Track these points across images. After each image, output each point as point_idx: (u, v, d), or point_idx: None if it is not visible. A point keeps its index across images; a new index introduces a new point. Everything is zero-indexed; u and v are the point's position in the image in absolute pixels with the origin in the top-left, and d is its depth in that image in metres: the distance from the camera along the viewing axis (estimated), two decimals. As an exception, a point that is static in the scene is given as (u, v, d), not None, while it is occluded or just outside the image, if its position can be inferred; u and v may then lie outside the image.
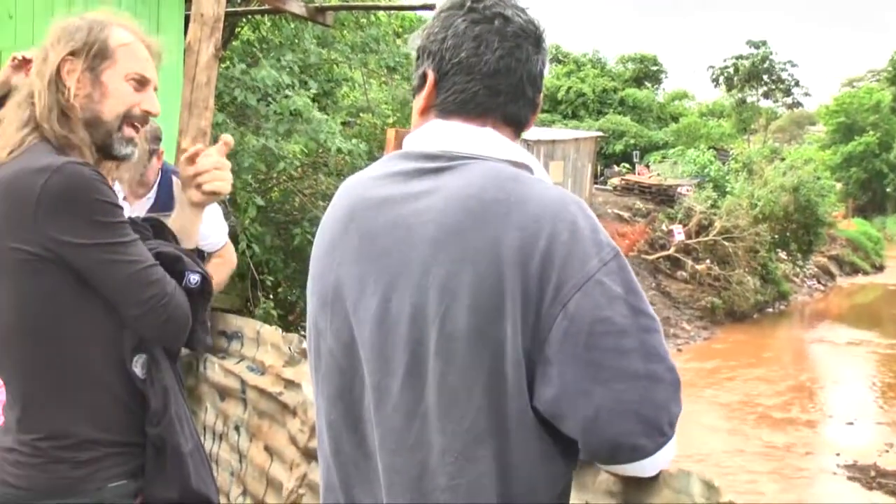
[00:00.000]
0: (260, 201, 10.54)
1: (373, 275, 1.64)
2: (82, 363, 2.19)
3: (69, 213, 2.10)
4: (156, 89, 2.41)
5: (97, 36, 2.29)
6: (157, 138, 4.05)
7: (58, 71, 2.26)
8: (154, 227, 2.40)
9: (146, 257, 2.21)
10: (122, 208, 2.21)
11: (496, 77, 1.69)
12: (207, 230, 2.89)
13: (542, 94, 1.78)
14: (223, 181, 2.48)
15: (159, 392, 2.26)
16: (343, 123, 14.43)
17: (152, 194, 4.08)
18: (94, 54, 2.28)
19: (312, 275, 1.82)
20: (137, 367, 2.24)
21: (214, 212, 3.77)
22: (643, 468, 1.59)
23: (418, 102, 1.77)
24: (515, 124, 1.74)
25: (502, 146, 1.69)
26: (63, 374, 2.19)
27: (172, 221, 2.47)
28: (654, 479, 1.72)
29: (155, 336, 2.24)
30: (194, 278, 2.32)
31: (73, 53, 2.27)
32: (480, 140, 1.68)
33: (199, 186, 2.45)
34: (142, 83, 2.34)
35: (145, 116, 2.36)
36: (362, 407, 1.69)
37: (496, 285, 1.50)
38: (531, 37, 1.71)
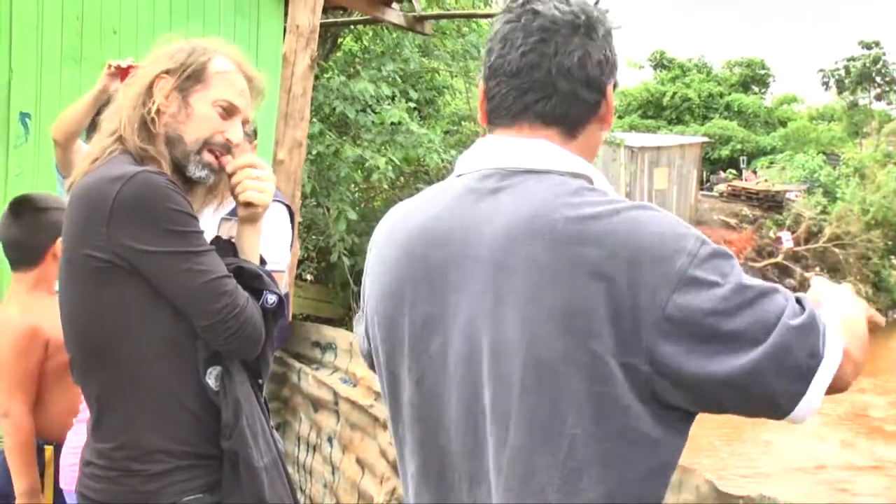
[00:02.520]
0: (352, 214, 10.58)
1: (444, 313, 1.56)
2: (153, 372, 2.20)
3: (141, 221, 2.11)
4: (245, 122, 2.40)
5: (196, 59, 2.32)
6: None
7: (150, 86, 2.30)
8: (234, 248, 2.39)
9: (218, 268, 2.20)
10: (196, 218, 2.21)
11: (520, 76, 1.59)
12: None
13: (606, 90, 1.63)
14: (255, 190, 2.38)
15: (231, 405, 2.24)
16: (445, 132, 14.43)
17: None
18: (188, 76, 2.30)
19: (378, 316, 1.71)
20: (211, 379, 2.24)
21: (275, 234, 3.03)
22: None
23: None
24: (559, 124, 1.61)
25: (560, 158, 1.58)
26: (133, 383, 2.20)
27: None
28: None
29: (225, 348, 2.22)
30: (272, 298, 2.32)
31: (167, 71, 2.31)
32: (536, 153, 1.59)
33: (236, 197, 2.40)
34: (229, 112, 2.34)
35: (227, 145, 2.34)
36: (448, 455, 1.60)
37: (579, 309, 1.41)
38: (565, 27, 1.58)
